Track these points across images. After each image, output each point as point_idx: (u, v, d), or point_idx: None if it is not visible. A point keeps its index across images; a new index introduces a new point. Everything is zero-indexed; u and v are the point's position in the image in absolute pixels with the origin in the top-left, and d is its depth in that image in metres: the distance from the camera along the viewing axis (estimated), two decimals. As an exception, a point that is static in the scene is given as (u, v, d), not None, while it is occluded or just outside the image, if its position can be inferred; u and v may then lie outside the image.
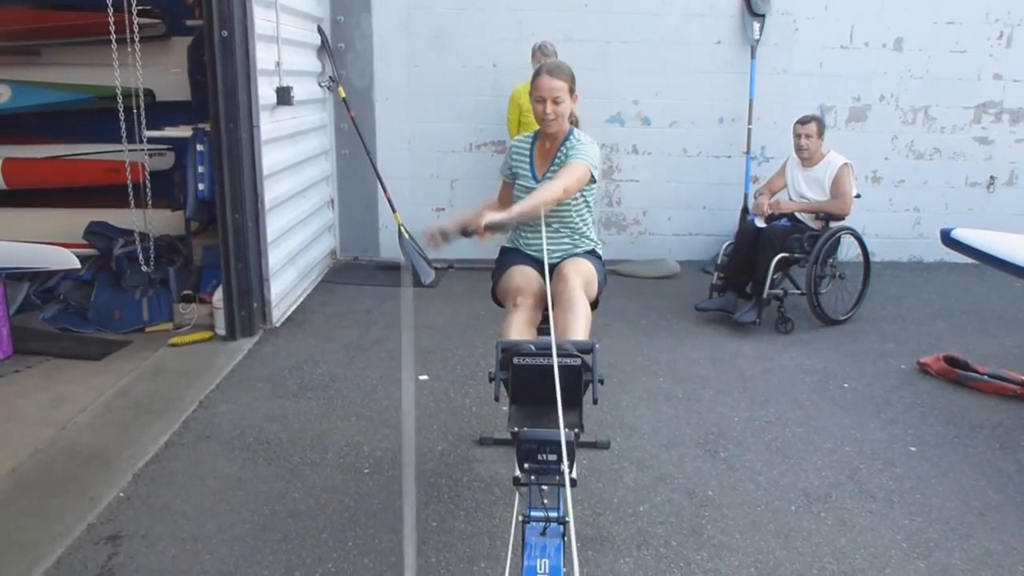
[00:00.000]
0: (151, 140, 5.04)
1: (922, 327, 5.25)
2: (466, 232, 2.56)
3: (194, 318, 4.92)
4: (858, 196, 5.24)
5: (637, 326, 5.16)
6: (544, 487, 1.99)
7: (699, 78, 6.63)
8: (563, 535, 1.96)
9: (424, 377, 4.26)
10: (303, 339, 4.84)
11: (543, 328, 2.98)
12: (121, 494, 3.06)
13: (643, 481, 3.22)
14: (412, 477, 1.43)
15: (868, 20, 6.58)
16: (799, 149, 5.20)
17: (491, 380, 2.26)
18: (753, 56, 6.50)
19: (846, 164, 5.11)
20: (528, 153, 3.17)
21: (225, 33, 4.36)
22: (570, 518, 1.79)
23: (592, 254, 3.21)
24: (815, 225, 5.19)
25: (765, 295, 5.00)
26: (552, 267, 3.10)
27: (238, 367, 4.36)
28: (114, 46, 4.64)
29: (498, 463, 3.32)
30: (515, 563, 2.30)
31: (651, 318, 5.32)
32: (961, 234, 4.20)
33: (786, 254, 5.00)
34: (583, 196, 3.09)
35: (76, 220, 5.44)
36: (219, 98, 4.42)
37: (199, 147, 4.72)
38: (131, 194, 4.87)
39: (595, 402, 2.16)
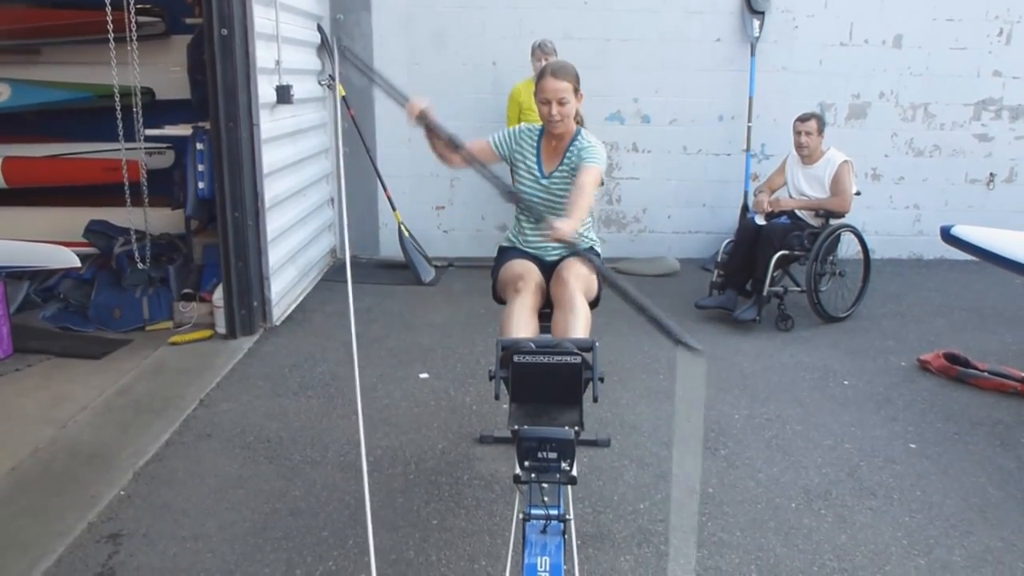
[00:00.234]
0: (151, 139, 5.05)
1: (922, 324, 5.25)
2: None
3: (194, 317, 4.92)
4: (858, 193, 5.24)
5: (637, 324, 5.12)
6: (544, 485, 1.99)
7: (699, 76, 6.63)
8: (564, 533, 1.97)
9: (424, 375, 4.27)
10: (303, 337, 4.84)
11: (544, 326, 2.98)
12: (122, 493, 3.06)
13: (643, 479, 3.22)
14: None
15: (868, 17, 6.57)
16: (799, 146, 5.20)
17: (491, 378, 2.26)
18: (753, 53, 6.50)
19: (846, 161, 5.11)
20: (535, 147, 3.16)
21: (225, 31, 4.36)
22: (571, 516, 1.79)
23: (591, 251, 3.22)
24: (815, 222, 5.19)
25: (765, 293, 5.00)
26: (552, 264, 3.11)
27: (238, 366, 4.36)
28: (112, 45, 4.64)
29: (498, 461, 3.32)
30: (516, 561, 2.31)
31: (651, 316, 5.31)
32: (961, 231, 4.21)
33: (786, 251, 5.00)
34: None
35: (76, 219, 5.44)
36: (219, 96, 4.42)
37: (199, 146, 4.72)
38: (127, 193, 4.87)
39: (595, 400, 2.16)
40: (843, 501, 3.09)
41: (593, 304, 3.08)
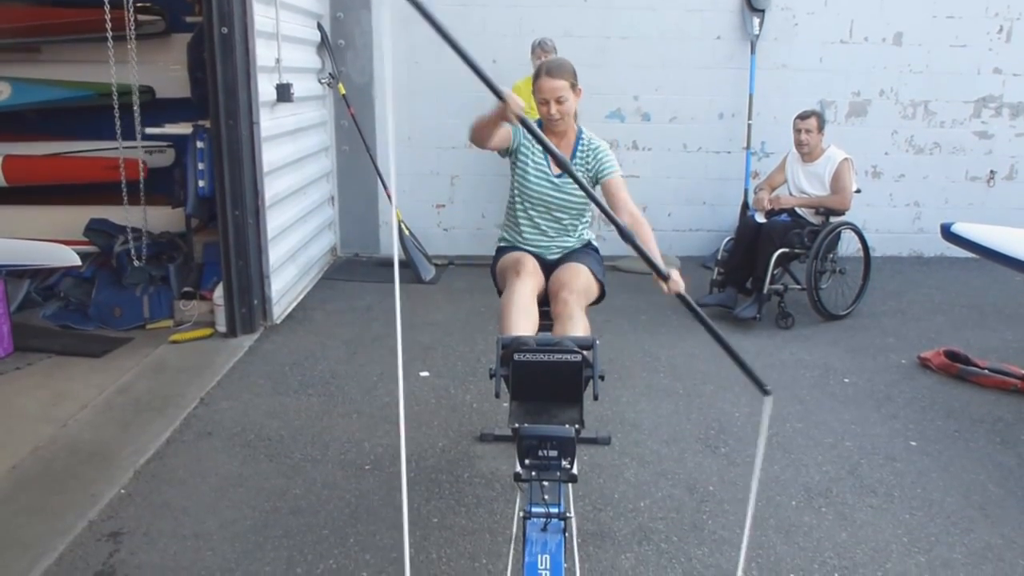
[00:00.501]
0: (152, 137, 5.05)
1: (922, 322, 5.25)
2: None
3: (195, 315, 4.92)
4: (858, 191, 5.24)
5: (637, 322, 5.16)
6: (545, 483, 1.99)
7: (699, 73, 6.63)
8: (564, 531, 1.97)
9: (425, 373, 4.27)
10: (304, 336, 4.84)
11: (545, 324, 2.98)
12: (122, 491, 3.06)
13: (644, 477, 3.22)
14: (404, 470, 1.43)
15: (868, 15, 6.57)
16: (799, 144, 5.20)
17: (491, 376, 2.26)
18: (753, 51, 6.49)
19: (846, 159, 5.11)
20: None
21: (225, 30, 4.36)
22: (571, 514, 1.79)
23: (588, 246, 3.22)
24: (815, 220, 5.19)
25: (765, 290, 5.00)
26: (552, 263, 3.11)
27: (239, 364, 4.36)
28: (110, 43, 4.64)
29: (499, 459, 3.32)
30: (516, 559, 2.31)
31: (651, 314, 5.32)
32: (961, 228, 4.21)
33: (786, 249, 5.00)
34: (585, 199, 3.10)
35: (76, 217, 5.44)
36: (219, 95, 4.41)
37: (199, 144, 4.71)
38: (124, 191, 4.87)
39: (595, 398, 2.16)
40: (843, 499, 3.09)
41: (597, 301, 3.08)
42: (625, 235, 2.24)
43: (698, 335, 4.93)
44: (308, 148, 5.87)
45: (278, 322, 5.02)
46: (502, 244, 3.29)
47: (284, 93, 5.02)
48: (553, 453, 1.98)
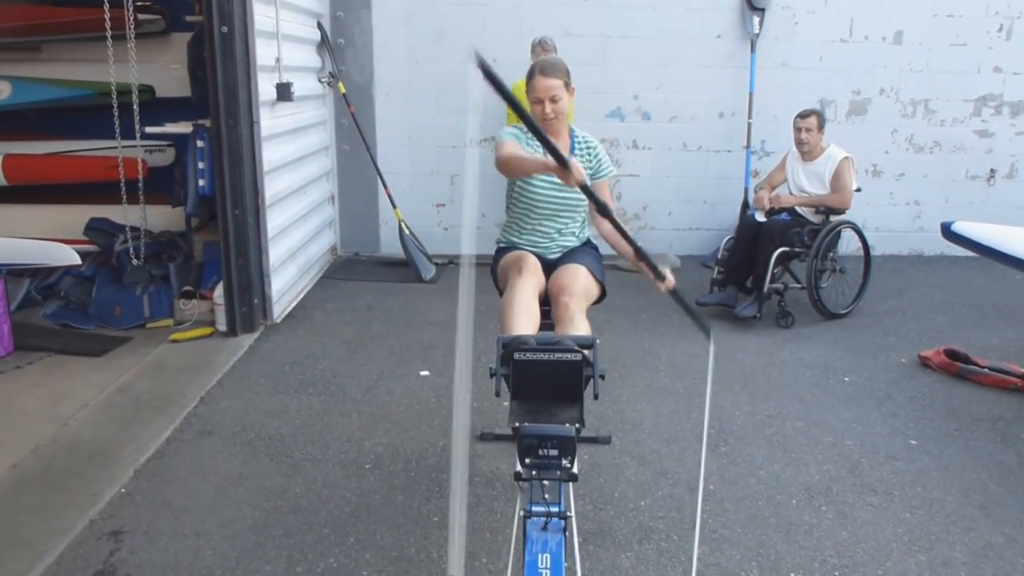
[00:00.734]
0: (152, 136, 5.04)
1: (923, 321, 5.25)
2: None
3: (195, 314, 4.92)
4: (858, 190, 5.24)
5: (638, 321, 5.16)
6: (545, 482, 1.99)
7: (699, 72, 6.62)
8: (565, 530, 1.97)
9: (425, 373, 4.27)
10: (304, 335, 4.84)
11: (545, 323, 2.98)
12: (123, 490, 3.06)
13: (644, 476, 3.22)
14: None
15: (868, 13, 6.57)
16: (799, 143, 5.20)
17: (492, 376, 2.26)
18: (753, 50, 6.49)
19: (846, 158, 5.10)
20: (537, 147, 3.14)
21: (225, 29, 4.36)
22: (571, 513, 1.79)
23: (588, 245, 3.23)
24: (815, 219, 5.19)
25: (766, 289, 5.00)
26: (552, 262, 3.11)
27: (239, 363, 4.36)
28: (110, 42, 4.64)
29: (499, 458, 3.32)
30: (517, 558, 2.31)
31: (652, 313, 5.32)
32: (961, 227, 4.20)
33: (786, 248, 5.00)
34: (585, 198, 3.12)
35: (77, 216, 5.44)
36: (219, 94, 4.41)
37: (199, 143, 4.72)
38: (123, 191, 4.87)
39: (596, 397, 2.16)
40: (844, 498, 3.09)
41: (598, 301, 3.08)
42: (628, 239, 2.26)
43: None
44: (308, 147, 5.87)
45: (278, 321, 5.02)
46: (502, 245, 3.29)
47: (284, 92, 5.02)
48: (553, 452, 1.98)
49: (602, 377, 2.20)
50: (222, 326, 4.75)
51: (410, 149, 6.71)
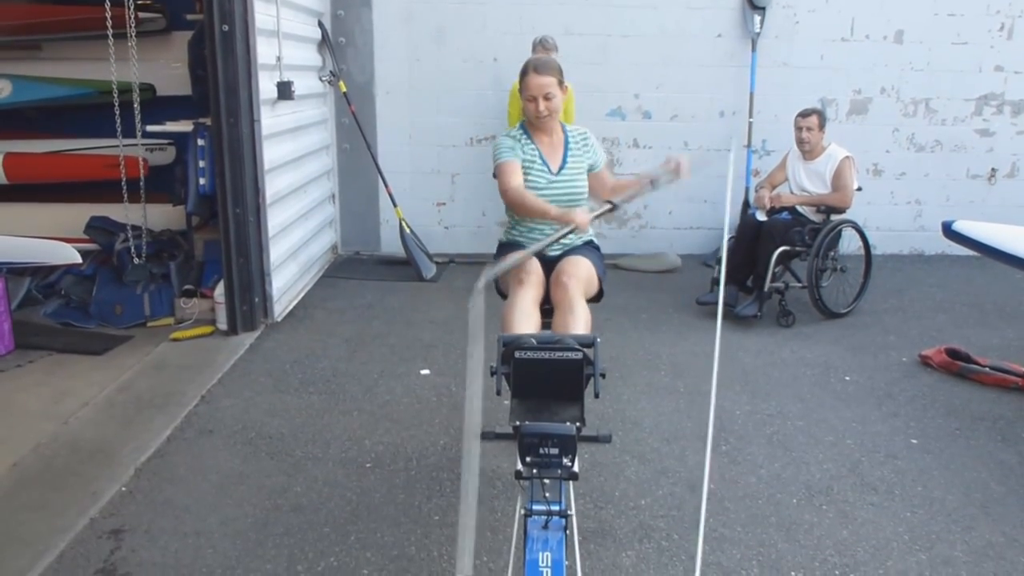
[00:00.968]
0: (152, 135, 5.05)
1: (923, 320, 5.25)
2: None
3: (196, 313, 4.92)
4: (859, 189, 5.24)
5: (638, 320, 5.16)
6: (546, 481, 1.99)
7: (700, 71, 6.62)
8: (565, 528, 1.97)
9: (426, 372, 4.27)
10: (304, 334, 4.84)
11: (545, 322, 2.98)
12: (123, 488, 3.06)
13: (645, 475, 3.22)
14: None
15: (869, 12, 6.56)
16: (800, 142, 5.20)
17: (492, 374, 2.27)
18: (754, 49, 6.49)
19: (847, 157, 5.10)
20: (534, 147, 3.15)
21: (226, 27, 4.36)
22: (572, 512, 1.79)
23: (590, 244, 3.22)
24: (816, 218, 5.19)
25: (766, 288, 5.00)
26: (553, 260, 3.11)
27: (240, 362, 4.36)
28: (111, 41, 4.64)
29: (500, 457, 3.32)
30: (517, 556, 2.31)
31: (652, 312, 5.32)
32: (962, 226, 4.20)
33: (787, 247, 5.00)
34: (587, 182, 3.14)
35: (77, 215, 5.44)
36: (220, 93, 4.41)
37: (200, 142, 4.72)
38: (124, 189, 4.87)
39: (596, 396, 2.16)
40: (844, 497, 3.09)
41: (596, 299, 3.08)
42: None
43: (699, 333, 4.93)
44: (309, 146, 5.87)
45: (279, 320, 5.02)
46: (504, 242, 3.30)
47: (285, 91, 5.02)
48: (554, 451, 1.98)
49: (603, 376, 2.20)
50: (223, 325, 4.75)
51: (411, 148, 6.71)
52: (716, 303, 5.20)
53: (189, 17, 5.27)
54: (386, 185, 6.37)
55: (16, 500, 2.97)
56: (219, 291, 4.74)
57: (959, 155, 6.90)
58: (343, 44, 6.45)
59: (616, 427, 3.60)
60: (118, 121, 4.74)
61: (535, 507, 1.97)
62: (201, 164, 4.75)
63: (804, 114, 5.17)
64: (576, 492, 2.90)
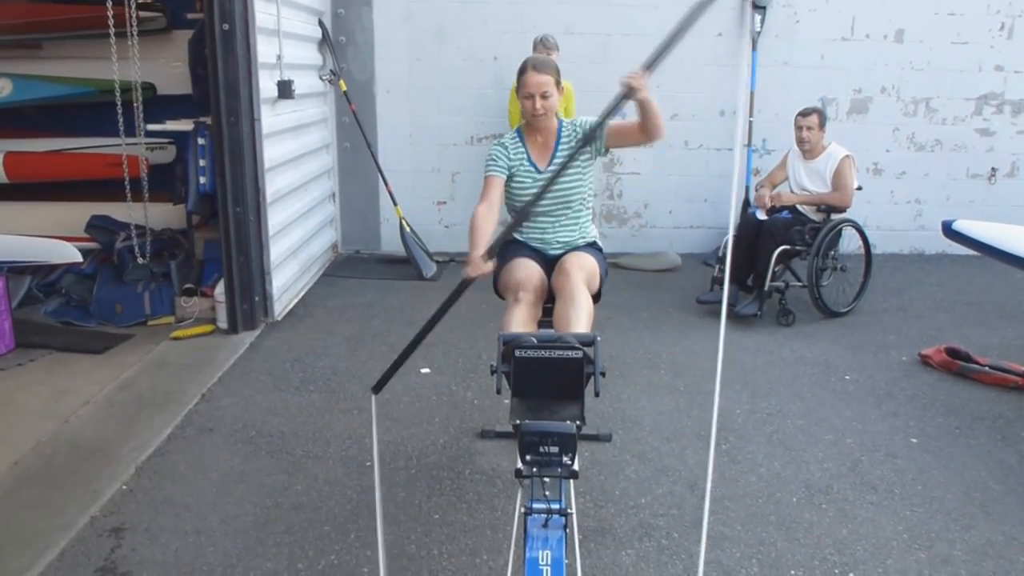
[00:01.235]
0: (153, 134, 5.05)
1: (923, 319, 5.25)
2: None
3: (196, 312, 4.93)
4: (859, 188, 5.23)
5: (638, 319, 5.16)
6: (546, 479, 2.00)
7: (700, 70, 6.61)
8: (565, 527, 1.97)
9: (426, 370, 4.27)
10: (305, 332, 4.85)
11: (545, 321, 2.99)
12: (124, 487, 3.07)
13: (645, 473, 3.22)
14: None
15: (869, 12, 6.56)
16: (800, 141, 5.20)
17: (493, 373, 2.27)
18: (754, 48, 6.49)
19: (847, 156, 5.10)
20: (523, 148, 3.17)
21: (226, 26, 4.36)
22: (572, 510, 1.79)
23: (593, 246, 3.23)
24: (816, 217, 5.19)
25: (766, 288, 5.00)
26: (554, 259, 3.11)
27: (240, 360, 4.37)
28: (113, 40, 4.64)
29: (500, 456, 3.32)
30: (517, 555, 2.31)
31: (652, 311, 5.32)
32: (962, 226, 4.21)
33: (787, 246, 5.00)
34: (587, 178, 3.13)
35: (78, 214, 5.45)
36: (220, 92, 4.41)
37: (200, 141, 4.72)
38: (128, 188, 4.87)
39: (596, 395, 2.16)
40: (844, 495, 3.09)
41: (595, 298, 3.08)
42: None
43: (699, 332, 4.94)
44: (309, 145, 5.87)
45: (279, 319, 5.02)
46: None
47: (285, 90, 5.02)
48: (554, 449, 1.98)
49: (603, 374, 2.20)
50: (223, 323, 4.76)
51: (411, 146, 6.71)
52: (716, 302, 5.26)
53: (189, 16, 5.26)
54: (386, 184, 6.37)
55: (17, 498, 2.97)
56: (219, 290, 4.75)
57: (959, 154, 6.90)
58: (343, 43, 6.45)
59: (616, 426, 3.60)
60: (120, 120, 4.74)
61: (535, 505, 1.97)
62: (201, 163, 4.75)
63: (804, 113, 5.17)
64: (576, 491, 2.90)
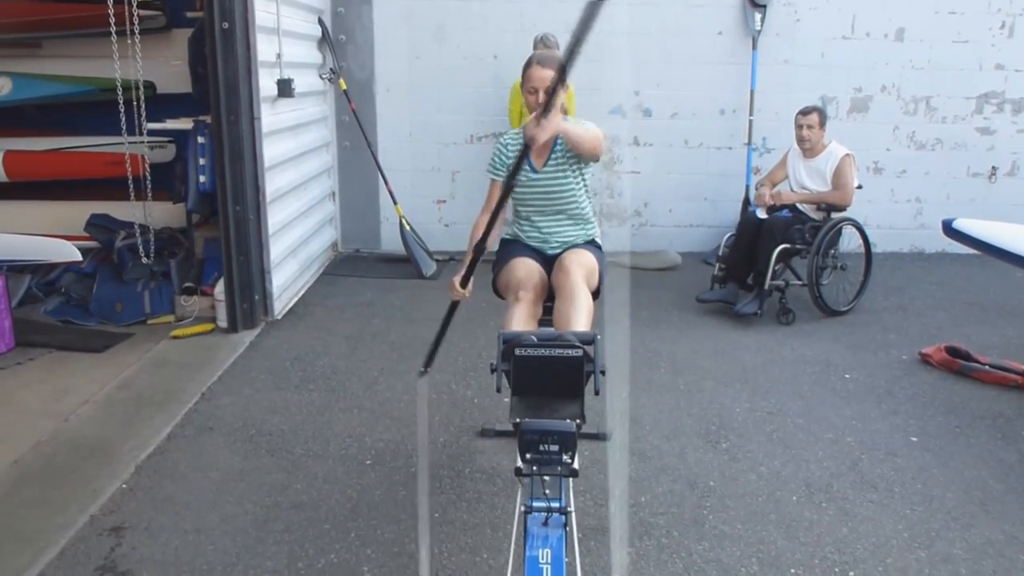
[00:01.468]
0: (152, 132, 5.04)
1: (923, 318, 5.25)
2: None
3: (196, 310, 4.92)
4: (859, 187, 5.23)
5: (639, 317, 5.16)
6: (546, 478, 1.99)
7: (700, 69, 6.61)
8: (565, 525, 1.97)
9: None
10: (305, 331, 4.84)
11: (545, 320, 2.99)
12: (124, 486, 3.07)
13: (644, 472, 3.22)
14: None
15: (870, 10, 6.55)
16: (800, 140, 5.19)
17: (493, 371, 2.27)
18: (755, 47, 6.48)
19: (848, 155, 5.10)
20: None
21: (226, 25, 4.35)
22: (572, 509, 1.79)
23: (593, 244, 3.22)
24: (817, 216, 5.18)
25: (766, 286, 5.00)
26: (554, 258, 3.11)
27: (240, 359, 4.37)
28: (114, 38, 4.64)
29: (500, 454, 3.32)
30: (517, 553, 2.31)
31: (652, 309, 5.32)
32: (963, 224, 4.20)
33: (787, 245, 5.00)
34: (583, 179, 3.13)
35: (77, 213, 5.44)
36: (220, 90, 4.41)
37: (200, 139, 4.71)
38: (131, 187, 4.87)
39: (597, 393, 2.16)
40: (844, 494, 3.09)
41: (594, 296, 3.08)
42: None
43: (699, 331, 4.93)
44: (309, 144, 5.87)
45: (279, 317, 5.02)
46: (506, 236, 3.32)
47: (285, 88, 5.02)
48: (554, 448, 1.98)
49: (603, 373, 2.20)
50: (223, 322, 4.76)
51: (411, 145, 6.71)
52: (716, 301, 5.25)
53: (189, 14, 5.26)
54: (386, 183, 6.37)
55: (16, 497, 2.97)
56: (219, 289, 4.75)
57: (959, 153, 6.89)
58: (343, 41, 6.44)
59: (615, 424, 3.60)
60: (122, 119, 4.74)
61: (535, 504, 1.97)
62: (201, 162, 4.75)
63: (804, 112, 5.17)
64: (576, 489, 2.91)
